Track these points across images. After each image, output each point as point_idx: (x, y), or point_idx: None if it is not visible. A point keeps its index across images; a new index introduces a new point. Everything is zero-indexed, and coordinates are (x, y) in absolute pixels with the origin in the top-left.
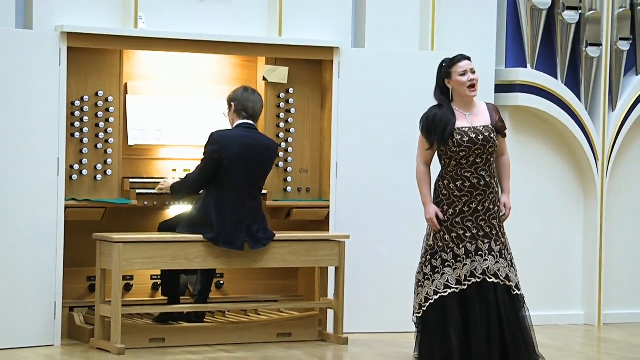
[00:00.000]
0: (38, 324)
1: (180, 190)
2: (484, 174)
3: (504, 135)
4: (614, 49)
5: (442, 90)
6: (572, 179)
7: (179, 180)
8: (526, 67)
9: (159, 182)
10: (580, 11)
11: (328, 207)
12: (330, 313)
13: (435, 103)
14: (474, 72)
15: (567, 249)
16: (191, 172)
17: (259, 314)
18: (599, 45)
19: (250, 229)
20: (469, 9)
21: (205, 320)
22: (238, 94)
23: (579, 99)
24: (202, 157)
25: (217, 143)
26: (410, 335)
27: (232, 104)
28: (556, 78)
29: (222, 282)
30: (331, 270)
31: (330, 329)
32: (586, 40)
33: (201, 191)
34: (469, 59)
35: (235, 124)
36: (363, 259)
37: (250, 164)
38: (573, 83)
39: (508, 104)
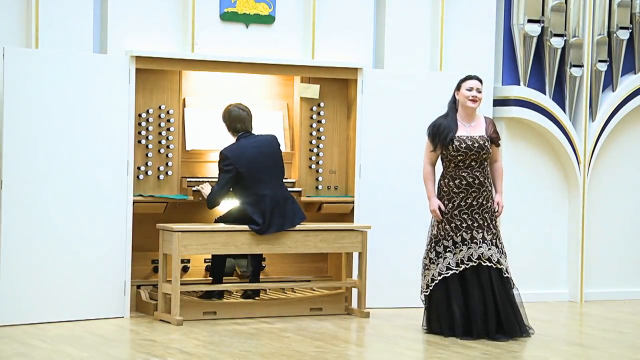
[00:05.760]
0: (111, 299)
1: (210, 202)
2: (478, 174)
3: (498, 145)
4: (593, 70)
5: (454, 100)
6: (558, 179)
7: (210, 191)
8: (519, 85)
9: (212, 180)
10: (565, 38)
11: (353, 202)
12: (355, 291)
13: (446, 110)
14: (479, 92)
15: (554, 237)
16: (214, 186)
17: (295, 292)
18: (581, 66)
19: (283, 212)
20: (471, 36)
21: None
22: (225, 117)
23: (564, 111)
24: (219, 172)
25: (228, 158)
26: (421, 310)
27: (225, 124)
28: (545, 94)
29: (264, 264)
30: (355, 255)
31: (354, 304)
32: (570, 62)
33: (225, 199)
34: (480, 80)
35: (236, 137)
36: (382, 246)
37: (264, 162)
38: (559, 98)
39: (504, 116)
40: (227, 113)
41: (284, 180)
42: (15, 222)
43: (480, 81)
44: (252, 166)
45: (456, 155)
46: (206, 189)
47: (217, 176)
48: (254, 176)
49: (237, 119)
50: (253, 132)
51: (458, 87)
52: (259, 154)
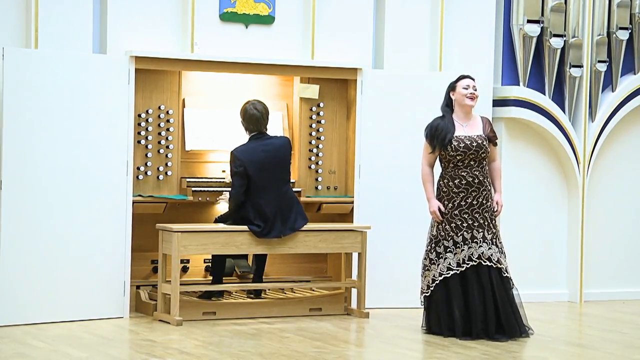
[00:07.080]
0: (110, 300)
1: (233, 203)
2: (477, 173)
3: (495, 144)
4: (593, 70)
5: (448, 103)
6: (558, 179)
7: (229, 197)
8: (519, 85)
9: (211, 181)
10: (564, 38)
11: (352, 202)
12: (354, 291)
13: (440, 113)
14: (475, 89)
15: (554, 238)
16: (231, 189)
17: (294, 292)
18: (580, 66)
19: (285, 218)
20: (471, 36)
21: (250, 296)
22: (241, 116)
23: (564, 112)
24: (231, 174)
25: (238, 159)
26: (421, 310)
27: (241, 122)
28: (544, 94)
29: None
30: (355, 256)
31: (354, 304)
32: (570, 62)
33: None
34: (473, 79)
35: (249, 137)
36: (382, 246)
37: (272, 167)
38: (559, 98)
39: (504, 116)
40: (244, 112)
41: None
42: (15, 222)
43: (473, 80)
44: (260, 170)
45: (455, 155)
46: (226, 197)
47: (217, 176)
48: (260, 180)
49: (251, 120)
50: (268, 132)
51: (452, 88)
52: (267, 157)
